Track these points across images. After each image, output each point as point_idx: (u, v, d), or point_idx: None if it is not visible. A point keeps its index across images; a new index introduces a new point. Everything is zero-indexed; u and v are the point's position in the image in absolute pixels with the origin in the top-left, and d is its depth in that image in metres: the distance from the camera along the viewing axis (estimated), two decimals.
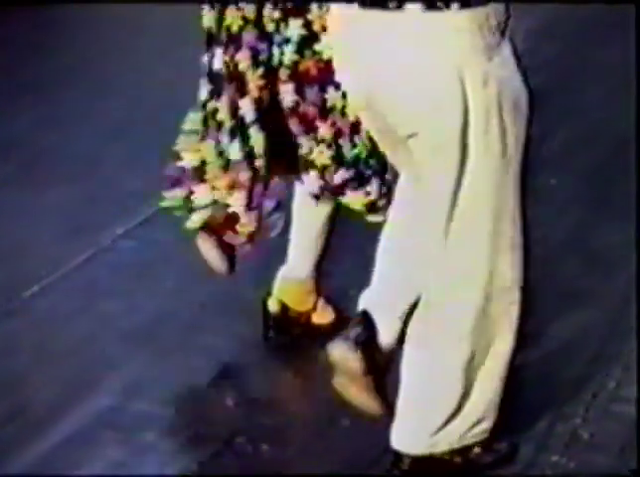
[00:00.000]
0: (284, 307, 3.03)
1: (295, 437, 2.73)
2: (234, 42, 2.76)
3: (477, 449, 2.49)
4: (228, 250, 2.99)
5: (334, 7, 2.36)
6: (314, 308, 3.07)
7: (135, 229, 3.72)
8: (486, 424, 2.46)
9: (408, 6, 2.17)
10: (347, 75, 2.38)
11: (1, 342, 3.07)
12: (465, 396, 2.41)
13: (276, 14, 2.74)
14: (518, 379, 2.69)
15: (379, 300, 2.44)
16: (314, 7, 2.73)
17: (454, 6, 2.15)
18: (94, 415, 2.74)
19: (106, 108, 4.67)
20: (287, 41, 2.77)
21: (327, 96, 2.78)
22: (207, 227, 2.95)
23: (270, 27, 2.76)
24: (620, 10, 5.34)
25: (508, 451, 2.54)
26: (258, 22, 2.75)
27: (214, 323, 3.16)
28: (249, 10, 2.74)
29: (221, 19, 2.78)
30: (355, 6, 2.25)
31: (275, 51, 2.76)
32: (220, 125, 2.81)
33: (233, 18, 2.76)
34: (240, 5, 2.73)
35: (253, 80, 2.76)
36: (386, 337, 2.38)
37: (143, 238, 3.71)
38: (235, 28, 2.76)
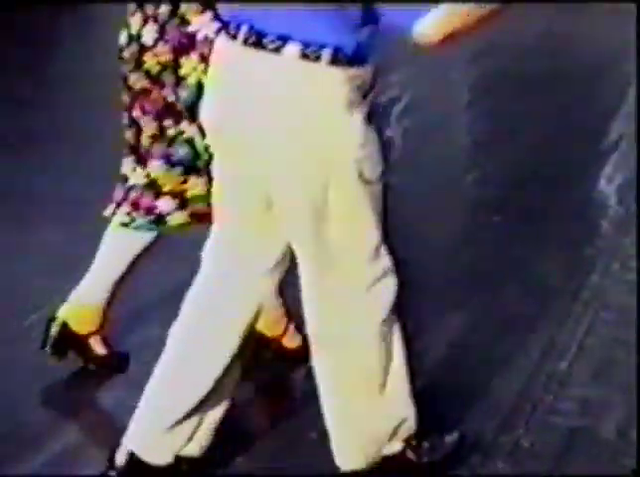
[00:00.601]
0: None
1: (264, 450, 2.90)
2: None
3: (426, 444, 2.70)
4: None
5: (218, 41, 2.50)
6: (284, 333, 3.26)
7: None
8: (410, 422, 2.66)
9: (286, 50, 2.31)
10: (212, 104, 2.50)
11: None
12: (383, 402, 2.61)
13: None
14: (466, 393, 3.01)
15: None
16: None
17: (325, 60, 2.30)
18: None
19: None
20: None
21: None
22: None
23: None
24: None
25: (456, 443, 2.76)
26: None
27: None
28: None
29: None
30: (237, 42, 2.38)
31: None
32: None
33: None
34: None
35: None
36: None
37: None
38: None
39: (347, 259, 2.47)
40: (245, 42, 2.36)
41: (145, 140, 3.02)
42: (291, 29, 2.33)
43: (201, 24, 2.93)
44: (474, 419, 2.96)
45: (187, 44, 2.95)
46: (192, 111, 2.91)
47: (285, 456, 2.84)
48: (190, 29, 2.94)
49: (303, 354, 2.94)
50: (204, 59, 2.89)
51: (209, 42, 2.86)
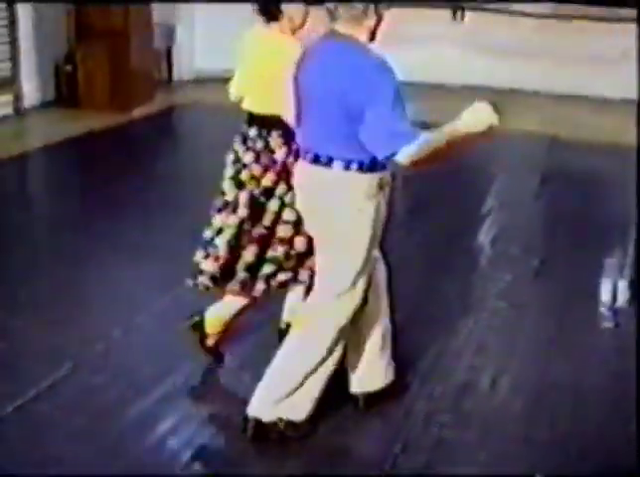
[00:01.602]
0: None
1: None
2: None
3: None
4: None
5: (297, 164, 3.68)
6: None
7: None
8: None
9: (334, 166, 3.48)
10: (298, 194, 3.73)
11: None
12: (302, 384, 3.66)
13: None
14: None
15: None
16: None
17: (354, 169, 3.45)
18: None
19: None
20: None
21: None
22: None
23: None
24: None
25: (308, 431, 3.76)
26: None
27: None
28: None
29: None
30: (306, 161, 3.56)
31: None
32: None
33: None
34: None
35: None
36: None
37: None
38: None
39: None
40: (311, 161, 3.56)
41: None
42: (334, 152, 3.47)
43: (281, 153, 4.05)
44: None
45: (270, 165, 4.09)
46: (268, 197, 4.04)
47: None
48: (275, 156, 4.07)
49: None
50: (278, 175, 4.05)
51: (284, 164, 4.03)
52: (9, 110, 9.34)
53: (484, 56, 11.05)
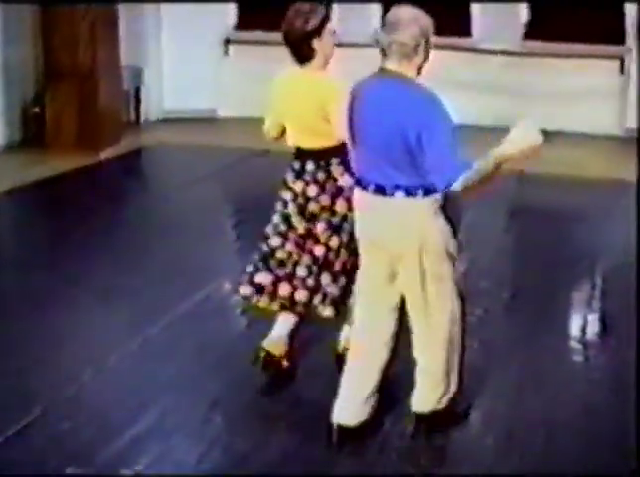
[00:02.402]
0: None
1: None
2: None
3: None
4: None
5: (355, 192, 3.87)
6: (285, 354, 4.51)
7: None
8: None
9: (397, 194, 3.70)
10: (361, 227, 3.92)
11: None
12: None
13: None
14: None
15: None
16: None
17: (420, 195, 3.67)
18: None
19: None
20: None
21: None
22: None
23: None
24: None
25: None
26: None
27: None
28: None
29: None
30: (369, 192, 3.76)
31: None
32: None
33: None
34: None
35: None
36: None
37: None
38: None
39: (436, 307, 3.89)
40: (374, 192, 3.77)
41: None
42: (397, 182, 3.68)
43: (344, 180, 4.26)
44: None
45: (337, 192, 4.32)
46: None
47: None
48: (339, 183, 4.30)
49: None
50: (348, 200, 4.21)
51: (349, 190, 4.16)
52: None
53: (449, 92, 11.13)
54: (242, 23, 11.70)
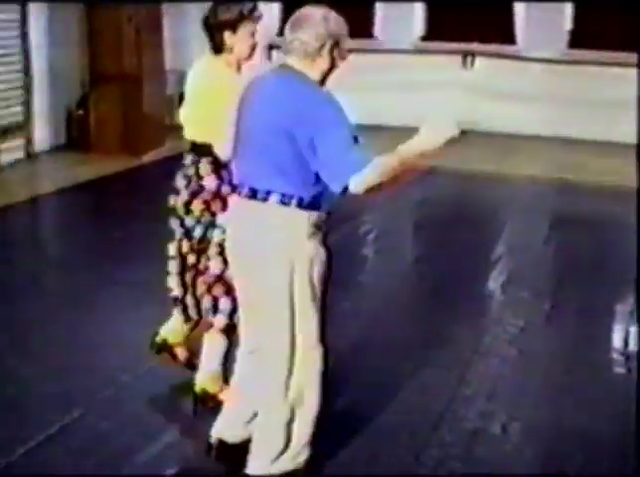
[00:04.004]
0: None
1: None
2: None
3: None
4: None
5: (231, 198, 3.56)
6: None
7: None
8: (304, 456, 3.58)
9: (270, 199, 3.36)
10: (228, 232, 3.59)
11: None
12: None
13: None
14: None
15: None
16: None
17: (293, 205, 3.33)
18: None
19: None
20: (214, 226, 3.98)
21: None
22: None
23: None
24: None
25: None
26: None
27: None
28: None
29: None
30: (242, 196, 3.44)
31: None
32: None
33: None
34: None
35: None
36: None
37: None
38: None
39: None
40: (247, 196, 3.44)
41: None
42: (273, 187, 3.37)
43: (209, 180, 4.03)
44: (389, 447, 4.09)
45: (197, 191, 4.07)
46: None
47: None
48: (202, 182, 4.05)
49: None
50: (205, 203, 4.03)
51: (215, 193, 4.01)
52: (20, 154, 9.41)
53: (494, 101, 11.10)
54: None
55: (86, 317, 5.38)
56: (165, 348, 4.42)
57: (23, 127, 9.43)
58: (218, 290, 4.08)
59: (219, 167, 4.01)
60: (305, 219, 3.40)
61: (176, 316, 4.35)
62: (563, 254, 7.13)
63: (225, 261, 3.90)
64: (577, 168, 9.66)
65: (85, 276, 6.07)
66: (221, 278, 4.05)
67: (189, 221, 4.12)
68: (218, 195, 4.04)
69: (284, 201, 3.38)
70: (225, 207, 3.92)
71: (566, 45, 11.39)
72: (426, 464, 3.92)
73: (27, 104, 9.45)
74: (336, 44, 3.44)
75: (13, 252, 6.75)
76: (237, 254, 3.57)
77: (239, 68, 4.10)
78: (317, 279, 3.47)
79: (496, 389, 4.68)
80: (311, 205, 3.40)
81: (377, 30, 12.07)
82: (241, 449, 3.69)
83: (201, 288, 4.13)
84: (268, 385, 3.56)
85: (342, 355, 4.77)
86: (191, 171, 4.12)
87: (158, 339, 4.43)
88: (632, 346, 5.28)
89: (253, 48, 4.07)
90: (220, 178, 4.04)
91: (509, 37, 11.56)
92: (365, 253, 7.21)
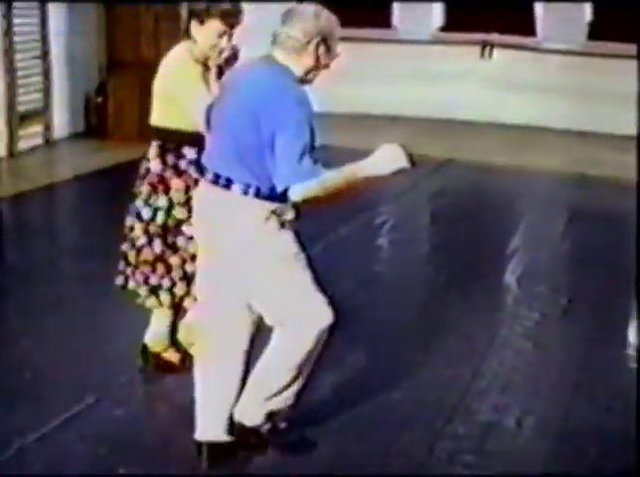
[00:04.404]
0: None
1: None
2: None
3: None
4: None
5: (199, 186, 3.62)
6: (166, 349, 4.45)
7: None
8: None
9: (233, 188, 3.42)
10: (195, 228, 3.71)
11: None
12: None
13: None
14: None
15: None
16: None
17: (250, 194, 3.39)
18: None
19: None
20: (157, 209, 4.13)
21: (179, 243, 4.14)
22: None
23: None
24: None
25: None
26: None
27: None
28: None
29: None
30: (206, 181, 3.52)
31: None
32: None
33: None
34: None
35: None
36: None
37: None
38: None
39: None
40: (210, 182, 3.52)
41: None
42: (234, 175, 3.42)
43: (154, 164, 4.15)
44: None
45: (144, 174, 4.21)
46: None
47: None
48: (149, 165, 4.18)
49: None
50: (152, 185, 4.16)
51: (160, 176, 4.14)
52: (39, 141, 9.43)
53: (512, 93, 11.06)
54: None
55: (103, 303, 5.39)
56: (153, 357, 4.46)
57: (42, 114, 9.45)
58: (160, 270, 4.23)
59: (164, 151, 4.15)
60: (262, 206, 3.44)
61: (154, 321, 4.44)
62: (580, 249, 7.10)
63: (165, 243, 4.17)
64: (595, 162, 9.62)
65: (102, 263, 6.03)
66: (161, 258, 4.21)
67: (138, 202, 4.25)
68: (162, 178, 4.17)
69: (244, 190, 3.44)
70: (168, 190, 4.14)
71: (586, 37, 11.33)
72: (440, 457, 3.92)
73: (46, 91, 9.46)
74: (323, 41, 3.44)
75: (31, 238, 6.77)
76: (202, 237, 3.67)
77: (205, 64, 4.09)
78: (280, 257, 3.50)
79: (510, 382, 4.67)
80: (269, 196, 3.43)
81: (395, 20, 12.03)
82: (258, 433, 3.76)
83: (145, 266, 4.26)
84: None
85: (356, 345, 4.80)
86: (146, 154, 4.27)
87: (147, 347, 4.48)
88: None
89: (221, 52, 4.08)
90: (164, 162, 4.16)
91: (528, 28, 11.51)
92: (380, 244, 7.19)
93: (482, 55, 11.64)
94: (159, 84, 4.18)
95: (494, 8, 11.14)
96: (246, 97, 3.44)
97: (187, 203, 4.10)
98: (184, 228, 4.16)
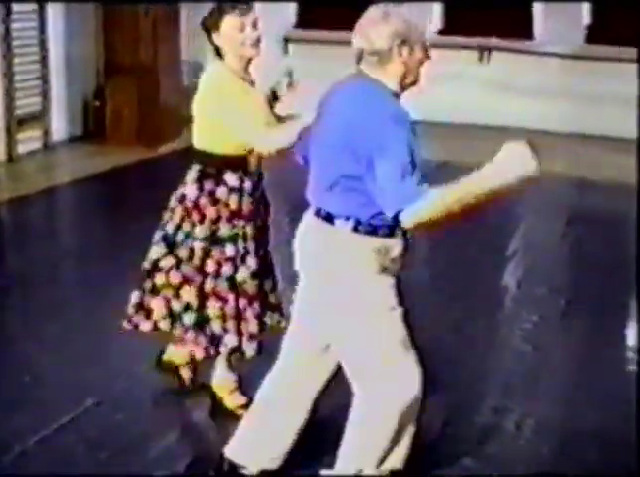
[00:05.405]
0: None
1: None
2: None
3: None
4: None
5: (304, 217, 3.31)
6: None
7: None
8: None
9: (335, 221, 3.15)
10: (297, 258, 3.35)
11: None
12: None
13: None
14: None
15: None
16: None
17: (349, 227, 3.12)
18: None
19: None
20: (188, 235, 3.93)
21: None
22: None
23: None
24: None
25: None
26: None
27: None
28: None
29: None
30: (309, 214, 3.27)
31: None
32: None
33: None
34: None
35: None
36: None
37: None
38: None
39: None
40: (313, 213, 3.26)
41: None
42: (332, 206, 3.16)
43: (191, 189, 3.94)
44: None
45: (179, 199, 4.01)
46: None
47: None
48: (184, 190, 3.99)
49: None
50: (186, 210, 3.95)
51: (195, 203, 3.93)
52: (38, 145, 9.43)
53: (510, 96, 11.07)
54: (303, 21, 11.73)
55: (103, 307, 5.38)
56: (170, 369, 4.33)
57: (40, 118, 9.45)
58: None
59: (203, 176, 3.92)
60: (363, 243, 3.17)
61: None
62: (580, 251, 7.11)
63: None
64: (594, 164, 9.61)
65: (102, 267, 6.09)
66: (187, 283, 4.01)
67: (169, 226, 4.05)
68: (196, 205, 3.95)
69: (343, 224, 3.16)
70: (203, 219, 3.91)
71: (584, 40, 11.33)
72: (438, 460, 3.91)
73: (44, 95, 9.46)
74: (404, 42, 3.10)
75: (30, 242, 6.78)
76: (301, 270, 3.39)
77: (247, 68, 3.93)
78: (373, 305, 3.26)
79: (510, 384, 4.68)
80: (372, 230, 3.15)
81: None
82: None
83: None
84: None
85: None
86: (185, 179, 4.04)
87: (165, 357, 4.33)
88: None
89: (253, 43, 3.84)
90: (200, 188, 3.93)
91: (526, 31, 11.50)
92: None
93: (480, 58, 11.64)
94: (200, 107, 3.93)
95: (492, 11, 11.14)
96: (339, 121, 3.15)
97: (213, 234, 3.94)
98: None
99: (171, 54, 10.00)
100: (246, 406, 4.12)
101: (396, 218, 3.04)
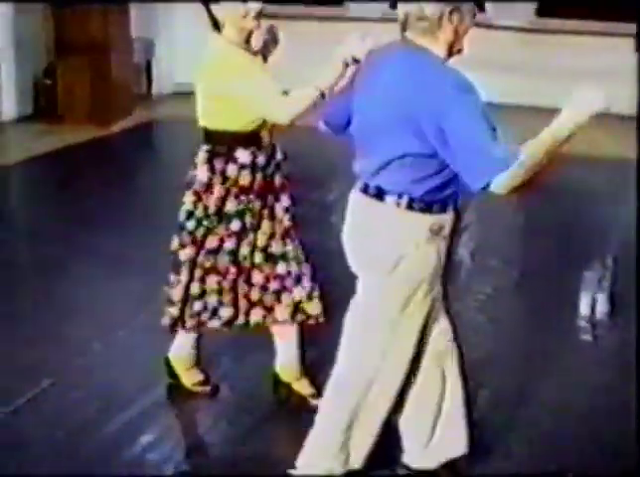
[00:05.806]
0: None
1: None
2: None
3: None
4: None
5: (351, 194, 3.19)
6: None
7: None
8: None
9: (385, 198, 3.04)
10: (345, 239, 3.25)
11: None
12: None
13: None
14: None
15: None
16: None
17: (403, 205, 3.00)
18: None
19: None
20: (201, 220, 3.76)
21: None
22: None
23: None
24: None
25: None
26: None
27: None
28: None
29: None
30: (357, 190, 3.15)
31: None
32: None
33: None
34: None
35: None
36: None
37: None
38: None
39: None
40: (360, 190, 3.15)
41: None
42: (383, 182, 3.04)
43: (202, 171, 3.73)
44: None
45: (189, 183, 3.80)
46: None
47: None
48: (195, 173, 3.77)
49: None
50: (196, 194, 3.76)
51: (207, 184, 3.74)
52: None
53: (463, 69, 11.07)
54: None
55: (58, 287, 5.36)
56: (175, 376, 4.21)
57: None
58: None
59: (213, 156, 3.73)
60: (417, 222, 3.08)
61: (180, 338, 4.11)
62: (533, 222, 7.18)
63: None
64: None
65: (56, 247, 6.04)
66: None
67: (181, 214, 3.87)
68: (208, 187, 3.77)
69: (396, 201, 3.05)
70: (217, 201, 3.75)
71: (535, 13, 11.39)
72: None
73: None
74: (455, 9, 2.98)
75: None
76: (348, 250, 3.30)
77: (247, 40, 3.73)
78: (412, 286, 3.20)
79: (465, 355, 4.70)
80: (426, 206, 3.06)
81: None
82: None
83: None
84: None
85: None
86: (195, 159, 3.85)
87: (171, 363, 4.20)
88: (599, 313, 5.34)
89: (255, 13, 3.63)
90: (212, 169, 3.74)
91: (478, 4, 11.51)
92: (334, 221, 7.17)
93: None
94: (206, 85, 3.70)
95: None
96: (394, 95, 2.96)
97: (218, 212, 3.79)
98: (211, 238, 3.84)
99: (122, 30, 9.89)
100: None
101: (484, 188, 2.88)
